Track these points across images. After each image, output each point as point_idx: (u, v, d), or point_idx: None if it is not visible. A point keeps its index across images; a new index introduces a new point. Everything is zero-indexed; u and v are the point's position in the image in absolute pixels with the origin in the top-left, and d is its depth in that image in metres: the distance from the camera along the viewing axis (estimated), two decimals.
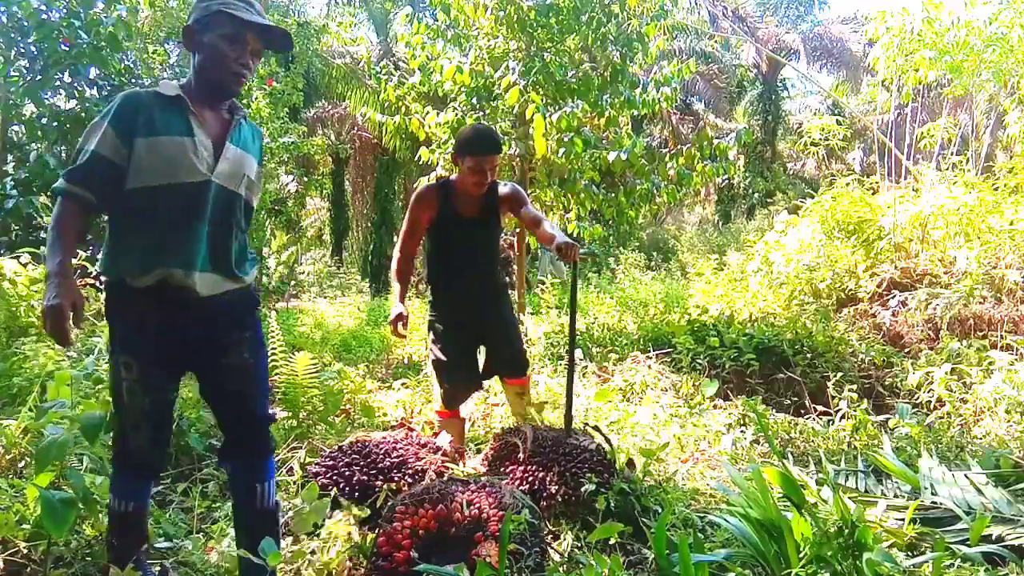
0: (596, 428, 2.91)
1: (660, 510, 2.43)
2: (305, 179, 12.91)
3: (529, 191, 5.74)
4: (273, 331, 3.62)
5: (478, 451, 3.23)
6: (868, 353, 4.63)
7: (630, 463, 2.71)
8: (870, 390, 4.29)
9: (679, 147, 5.80)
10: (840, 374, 4.16)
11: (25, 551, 2.03)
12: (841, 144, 10.71)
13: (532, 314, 6.31)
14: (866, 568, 1.73)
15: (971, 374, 3.88)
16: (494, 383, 3.46)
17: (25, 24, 5.50)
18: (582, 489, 2.42)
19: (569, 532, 2.34)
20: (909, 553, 2.13)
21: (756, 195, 18.33)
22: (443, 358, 2.90)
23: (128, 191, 1.71)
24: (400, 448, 2.71)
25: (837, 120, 9.63)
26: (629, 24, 5.60)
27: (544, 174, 5.79)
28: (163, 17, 10.33)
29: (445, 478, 2.52)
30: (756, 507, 1.97)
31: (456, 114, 5.55)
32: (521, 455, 2.69)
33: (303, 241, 16.72)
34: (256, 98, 7.31)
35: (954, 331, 4.71)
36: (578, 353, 4.56)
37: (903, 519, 2.27)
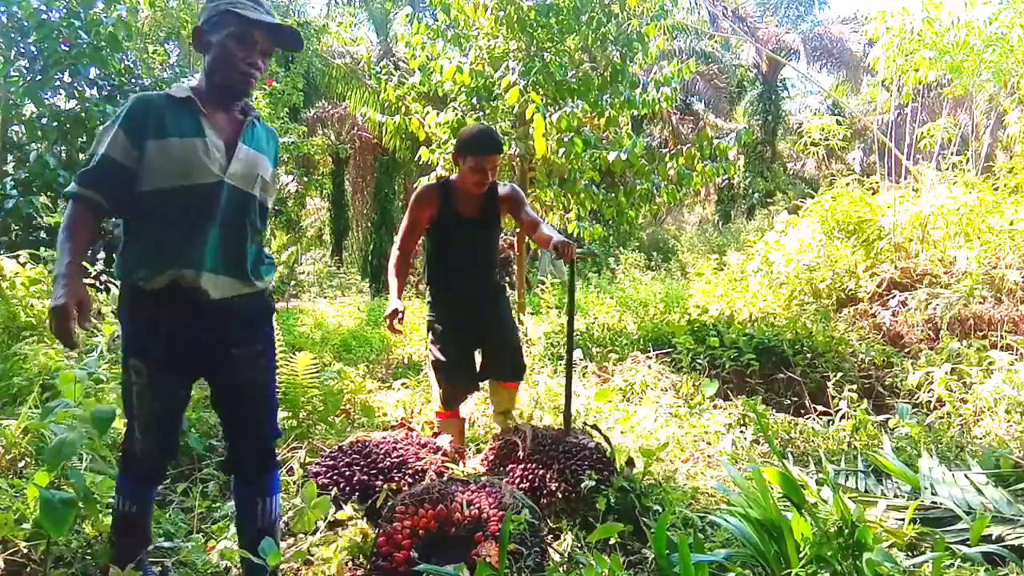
0: (595, 427, 2.91)
1: (660, 510, 2.44)
2: (305, 179, 12.93)
3: (529, 191, 5.75)
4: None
5: (478, 451, 3.23)
6: (868, 353, 4.63)
7: (629, 462, 2.71)
8: (870, 390, 4.29)
9: (679, 147, 5.80)
10: (840, 374, 4.16)
11: (25, 551, 2.03)
12: (841, 144, 10.72)
13: (532, 314, 6.31)
14: (866, 568, 1.73)
15: (971, 374, 3.88)
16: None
17: (25, 24, 5.50)
18: (582, 486, 2.43)
19: (569, 532, 2.34)
20: (909, 553, 2.13)
21: (756, 195, 18.33)
22: (442, 358, 2.90)
23: (140, 194, 1.70)
24: (400, 448, 2.71)
25: (837, 120, 9.64)
26: (629, 24, 5.60)
27: (544, 174, 5.79)
28: (163, 17, 10.33)
29: (445, 478, 2.52)
30: (756, 507, 1.97)
31: (456, 114, 5.55)
32: (521, 453, 2.69)
33: (303, 241, 16.72)
34: (256, 98, 7.31)
35: (954, 331, 4.71)
36: (578, 353, 4.56)
37: (903, 519, 2.27)
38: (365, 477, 2.51)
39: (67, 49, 5.58)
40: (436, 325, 2.94)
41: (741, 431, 3.49)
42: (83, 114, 5.72)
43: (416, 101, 5.99)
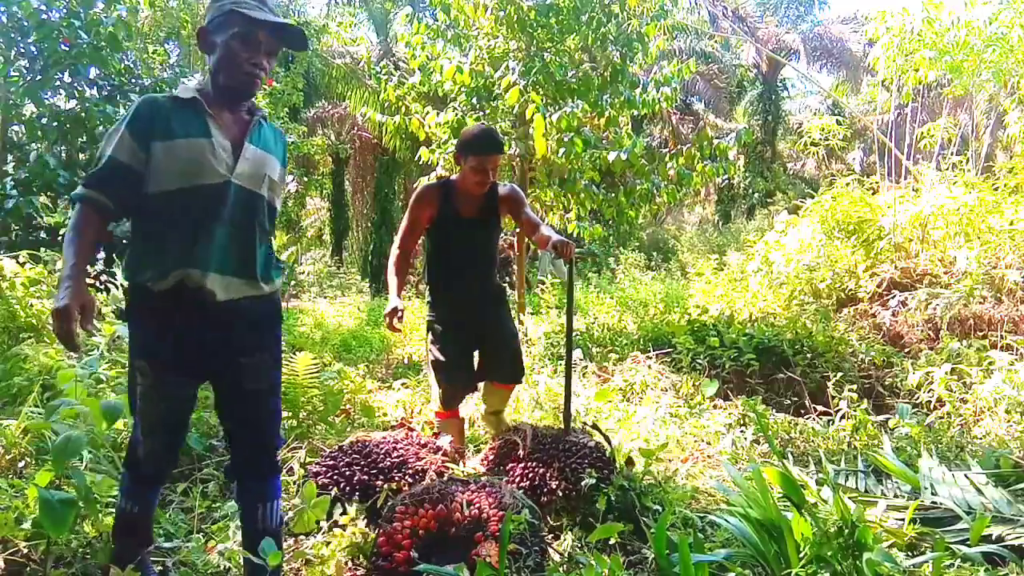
0: (595, 427, 2.91)
1: (660, 509, 2.44)
2: (305, 179, 12.92)
3: (529, 191, 5.75)
4: None
5: (478, 451, 3.23)
6: (868, 353, 4.63)
7: (629, 461, 2.72)
8: (870, 390, 4.29)
9: (679, 147, 5.80)
10: (840, 374, 4.16)
11: (25, 551, 2.03)
12: (841, 144, 10.72)
13: (532, 314, 6.31)
14: (866, 568, 1.73)
15: (971, 374, 3.88)
16: None
17: (25, 24, 5.49)
18: (582, 483, 2.43)
19: (569, 532, 2.34)
20: (909, 553, 2.13)
21: (756, 195, 18.33)
22: (442, 358, 2.90)
23: (148, 195, 1.70)
24: (400, 448, 2.71)
25: (837, 120, 9.65)
26: (629, 24, 5.60)
27: (544, 174, 5.79)
28: (163, 17, 10.33)
29: (445, 478, 2.52)
30: (756, 507, 1.97)
31: (456, 114, 5.55)
32: (521, 452, 2.70)
33: (303, 241, 16.75)
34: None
35: (954, 331, 4.71)
36: (578, 353, 4.56)
37: (903, 519, 2.27)
38: (365, 477, 2.51)
39: (67, 49, 5.57)
40: (436, 325, 2.94)
41: (741, 431, 3.49)
42: (83, 114, 5.72)
43: (416, 101, 5.99)
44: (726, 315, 5.70)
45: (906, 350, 4.81)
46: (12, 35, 5.64)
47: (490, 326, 2.96)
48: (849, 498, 2.38)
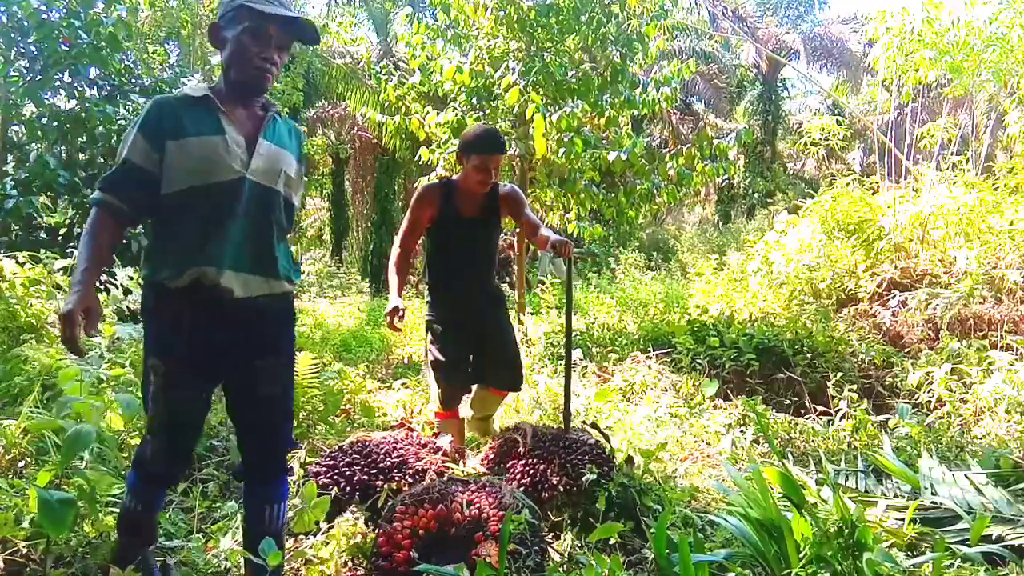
0: (594, 426, 2.92)
1: (660, 509, 2.44)
2: (305, 179, 12.92)
3: (529, 191, 5.75)
4: None
5: (478, 451, 3.23)
6: (868, 353, 4.63)
7: (629, 460, 2.72)
8: (870, 390, 4.29)
9: (679, 147, 5.80)
10: (840, 374, 4.16)
11: (25, 551, 2.03)
12: (841, 144, 10.73)
13: (532, 314, 6.31)
14: (866, 568, 1.73)
15: (971, 374, 3.88)
16: None
17: (25, 24, 5.49)
18: (583, 479, 2.43)
19: (569, 531, 2.34)
20: (909, 553, 2.13)
21: (756, 195, 18.33)
22: (442, 358, 2.90)
23: (163, 196, 1.70)
24: (400, 448, 2.71)
25: (837, 120, 9.66)
26: (629, 24, 5.60)
27: (544, 174, 5.79)
28: (163, 17, 10.33)
29: (445, 478, 2.52)
30: (756, 507, 1.97)
31: (456, 114, 5.55)
32: (521, 450, 2.70)
33: (303, 241, 16.75)
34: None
35: (954, 331, 4.71)
36: (578, 353, 4.56)
37: (903, 519, 2.27)
38: (365, 477, 2.51)
39: (67, 49, 5.57)
40: (435, 325, 2.94)
41: (741, 431, 3.49)
42: (83, 114, 5.72)
43: (416, 101, 5.99)
44: (726, 315, 5.70)
45: (906, 350, 4.81)
46: (12, 35, 5.64)
47: (490, 327, 2.96)
48: (849, 498, 2.38)
